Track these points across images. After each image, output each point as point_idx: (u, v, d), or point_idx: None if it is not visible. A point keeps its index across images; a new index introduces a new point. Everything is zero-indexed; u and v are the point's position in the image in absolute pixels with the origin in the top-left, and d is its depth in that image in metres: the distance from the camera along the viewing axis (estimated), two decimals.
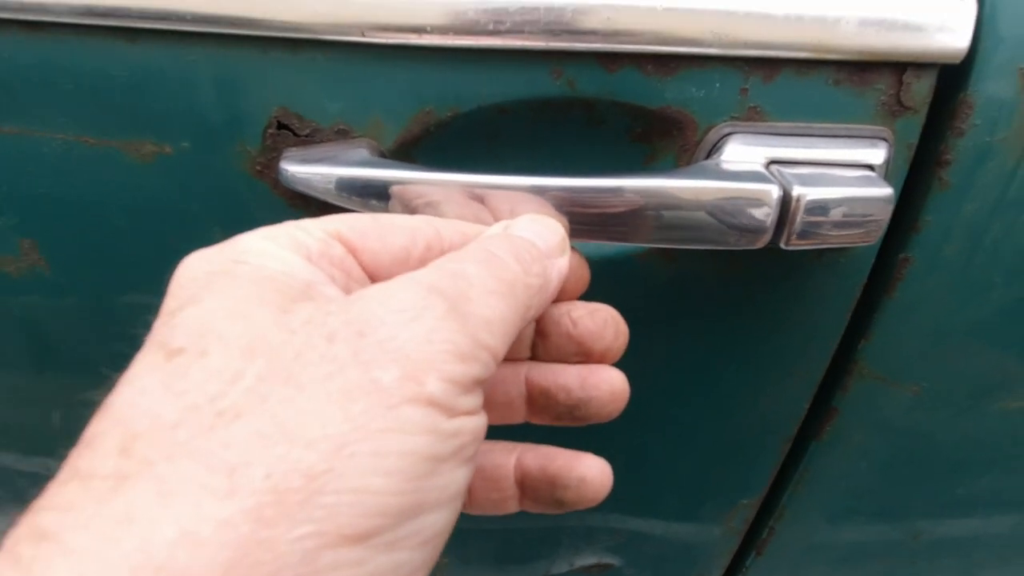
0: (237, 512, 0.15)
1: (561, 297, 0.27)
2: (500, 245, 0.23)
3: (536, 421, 0.28)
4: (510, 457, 0.27)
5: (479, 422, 0.20)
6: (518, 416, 0.28)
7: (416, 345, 0.18)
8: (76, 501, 0.16)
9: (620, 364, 0.28)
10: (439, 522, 0.18)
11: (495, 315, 0.21)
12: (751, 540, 0.54)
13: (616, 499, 0.27)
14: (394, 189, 0.30)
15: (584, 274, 0.29)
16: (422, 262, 0.23)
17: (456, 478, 0.19)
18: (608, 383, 0.26)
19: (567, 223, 0.30)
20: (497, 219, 0.30)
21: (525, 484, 0.27)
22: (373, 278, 0.23)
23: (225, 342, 0.18)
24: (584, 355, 0.27)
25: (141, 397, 0.17)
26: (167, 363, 0.18)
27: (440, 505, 0.18)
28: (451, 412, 0.18)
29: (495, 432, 0.26)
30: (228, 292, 0.19)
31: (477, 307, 0.20)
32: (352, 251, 0.23)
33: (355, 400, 0.17)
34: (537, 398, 0.27)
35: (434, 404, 0.18)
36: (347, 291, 0.22)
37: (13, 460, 0.51)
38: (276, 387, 0.17)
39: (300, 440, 0.16)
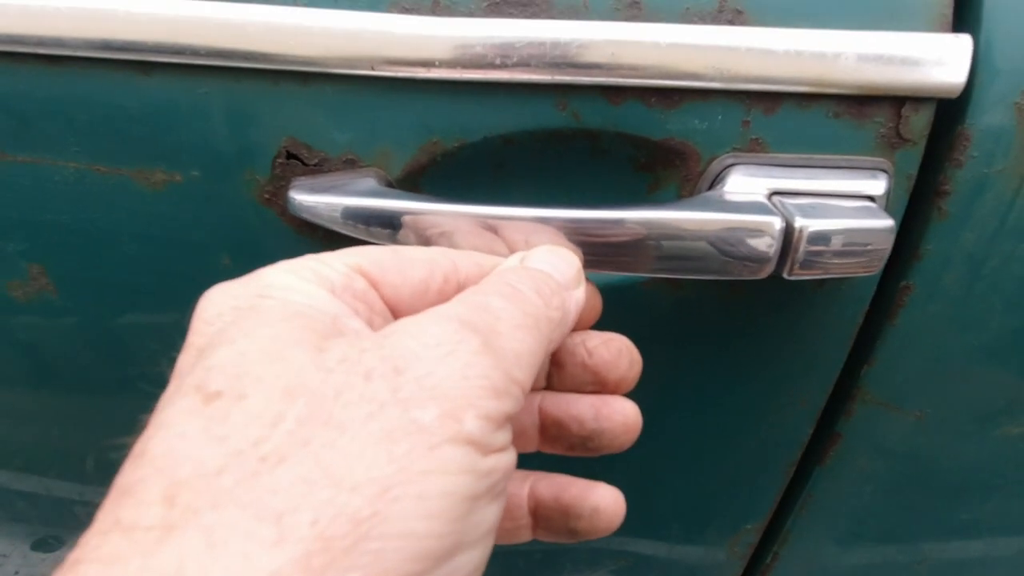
0: (287, 562, 0.15)
1: (575, 327, 0.27)
2: (520, 279, 0.23)
3: (549, 451, 0.28)
4: (523, 486, 0.27)
5: (510, 458, 0.20)
6: (531, 445, 0.28)
7: (453, 382, 0.18)
8: (121, 553, 0.15)
9: None
10: (473, 560, 0.18)
11: (524, 349, 0.21)
12: (755, 565, 0.54)
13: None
14: (407, 219, 0.31)
15: (597, 303, 0.29)
16: (440, 294, 0.24)
17: (488, 516, 0.19)
18: (621, 414, 0.26)
19: (581, 253, 0.30)
20: (512, 249, 0.30)
21: (538, 513, 0.27)
22: (394, 311, 0.23)
23: (263, 384, 0.18)
24: (599, 384, 0.27)
25: (181, 442, 0.17)
26: (205, 407, 0.17)
27: (475, 543, 0.18)
28: (486, 450, 0.18)
29: None
30: (260, 331, 0.19)
31: (507, 341, 0.20)
32: (373, 284, 0.23)
33: (397, 441, 0.17)
34: (550, 428, 0.27)
35: (472, 443, 0.18)
36: (370, 324, 0.22)
37: (8, 479, 0.51)
38: (318, 429, 0.17)
39: (345, 484, 0.16)
